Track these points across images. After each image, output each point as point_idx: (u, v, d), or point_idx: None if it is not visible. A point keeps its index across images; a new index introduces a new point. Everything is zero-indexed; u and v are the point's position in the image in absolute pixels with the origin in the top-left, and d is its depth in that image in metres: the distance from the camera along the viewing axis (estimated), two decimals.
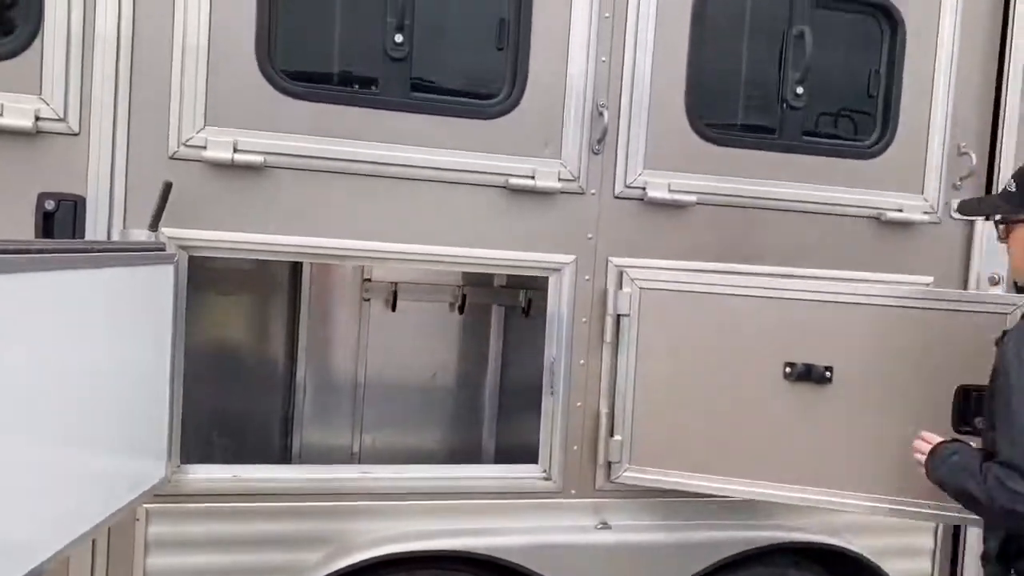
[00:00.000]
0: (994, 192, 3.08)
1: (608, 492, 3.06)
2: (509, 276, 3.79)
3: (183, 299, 2.60)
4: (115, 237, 2.58)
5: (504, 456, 3.93)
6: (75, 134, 2.55)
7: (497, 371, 3.93)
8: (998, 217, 2.40)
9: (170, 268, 2.50)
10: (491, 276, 3.83)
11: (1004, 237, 2.41)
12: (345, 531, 2.81)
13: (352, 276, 3.76)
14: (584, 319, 3.01)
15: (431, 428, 3.89)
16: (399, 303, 3.70)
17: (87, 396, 2.09)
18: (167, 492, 2.61)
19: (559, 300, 3.00)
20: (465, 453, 3.86)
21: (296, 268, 3.70)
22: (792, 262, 3.06)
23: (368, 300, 3.76)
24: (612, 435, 3.00)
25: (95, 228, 2.57)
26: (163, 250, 2.54)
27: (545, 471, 3.04)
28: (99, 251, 2.18)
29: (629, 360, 2.95)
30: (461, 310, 3.78)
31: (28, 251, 1.85)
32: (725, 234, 3.06)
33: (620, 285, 2.99)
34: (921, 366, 2.75)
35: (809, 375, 2.82)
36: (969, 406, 2.67)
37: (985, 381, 2.29)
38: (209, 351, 3.34)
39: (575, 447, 3.03)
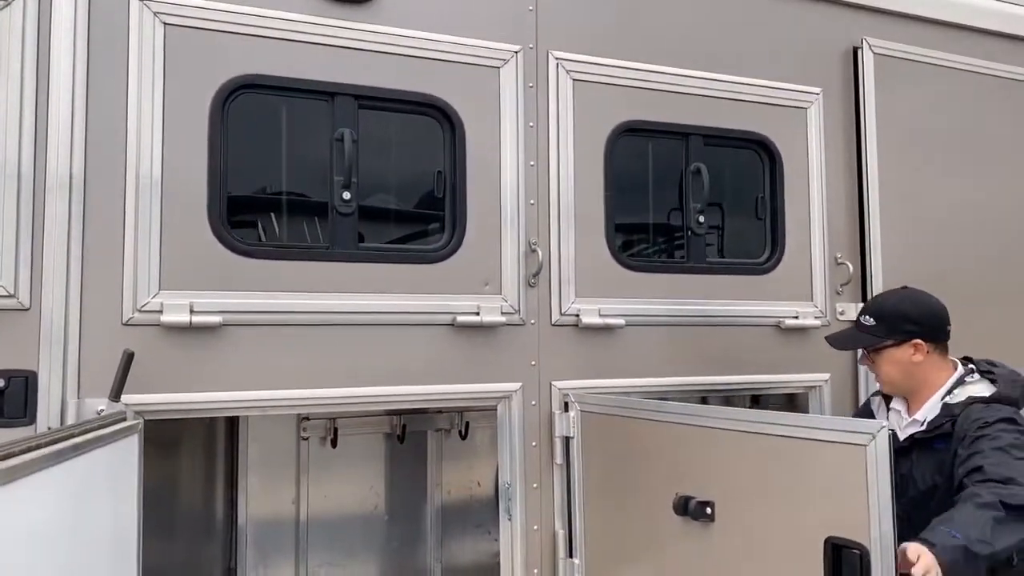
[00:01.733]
0: (858, 318, 3.05)
1: None
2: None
3: (142, 464, 2.57)
4: (70, 410, 2.54)
5: None
6: (25, 309, 2.53)
7: (437, 495, 4.00)
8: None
9: (135, 438, 2.48)
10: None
11: (870, 362, 2.88)
12: None
13: (288, 417, 3.77)
14: (534, 443, 3.17)
15: (377, 557, 3.88)
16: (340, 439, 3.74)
17: None
18: None
19: (509, 426, 3.15)
20: None
21: (233, 417, 3.68)
22: (713, 370, 3.37)
23: (306, 439, 3.77)
24: (570, 556, 3.13)
25: (48, 402, 2.53)
26: (124, 419, 2.52)
27: None
28: (65, 439, 2.13)
29: (580, 480, 3.11)
30: (401, 439, 3.85)
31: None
32: (653, 351, 3.34)
33: (565, 408, 3.18)
34: (794, 506, 2.26)
35: (687, 510, 2.52)
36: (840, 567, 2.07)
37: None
38: (149, 506, 3.24)
39: (535, 570, 3.14)
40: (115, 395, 2.52)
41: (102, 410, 2.53)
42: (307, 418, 3.75)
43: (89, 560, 2.15)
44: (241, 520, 3.62)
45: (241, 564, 3.58)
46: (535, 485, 3.16)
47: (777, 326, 3.59)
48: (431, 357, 3.02)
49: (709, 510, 2.51)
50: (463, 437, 3.97)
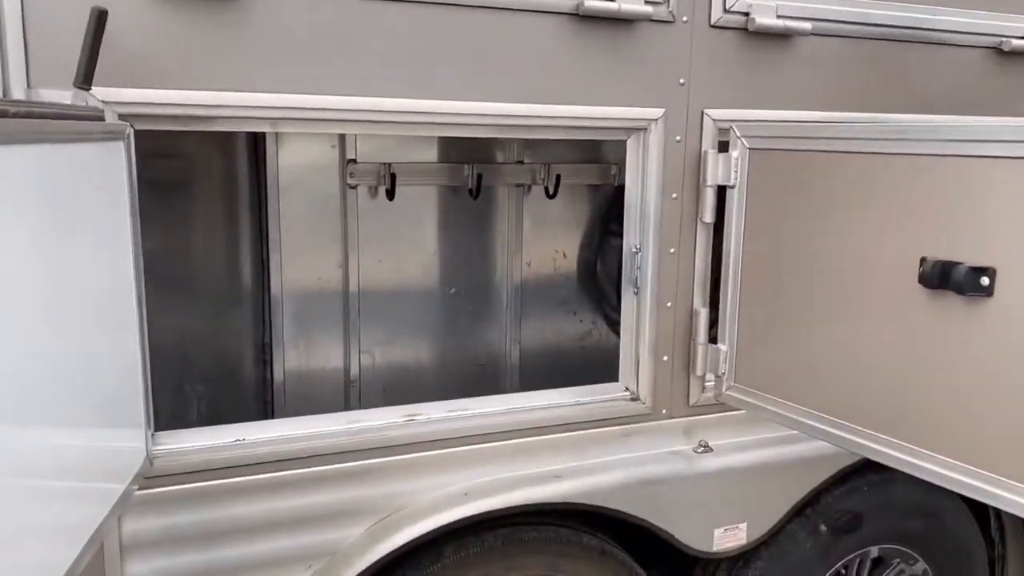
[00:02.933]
0: None
1: (703, 408, 2.46)
2: (526, 148, 3.05)
3: (135, 192, 1.73)
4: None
5: (531, 367, 3.28)
6: None
7: (515, 265, 3.21)
8: None
9: (120, 147, 1.62)
10: (501, 151, 3.08)
11: None
12: (392, 496, 2.10)
13: (329, 157, 2.90)
14: (675, 195, 2.30)
15: (441, 337, 3.17)
16: (398, 190, 2.88)
17: (32, 345, 1.24)
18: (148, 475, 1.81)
19: (642, 170, 2.28)
20: (488, 365, 3.18)
21: (258, 151, 2.80)
22: (945, 109, 2.43)
23: (354, 187, 2.92)
24: (713, 341, 2.36)
25: None
26: (101, 117, 1.64)
27: (630, 390, 2.41)
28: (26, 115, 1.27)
29: (735, 246, 2.27)
30: (474, 194, 3.00)
31: None
32: (847, 73, 2.38)
33: (721, 146, 2.29)
34: None
35: (948, 280, 1.71)
36: None
37: None
38: (154, 266, 2.46)
39: (665, 357, 2.39)
40: (84, 77, 1.62)
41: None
42: (353, 160, 2.87)
43: (77, 314, 1.35)
44: (275, 287, 2.86)
45: (277, 339, 2.86)
46: (672, 250, 2.33)
47: None
48: (543, 63, 2.08)
49: (986, 280, 1.66)
50: (550, 195, 3.10)
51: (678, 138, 2.27)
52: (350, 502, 2.06)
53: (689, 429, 2.46)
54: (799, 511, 2.56)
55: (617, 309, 3.42)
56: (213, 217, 2.75)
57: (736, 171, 2.24)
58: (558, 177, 3.06)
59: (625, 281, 2.38)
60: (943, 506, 2.77)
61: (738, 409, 2.34)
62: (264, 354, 2.85)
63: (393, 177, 2.84)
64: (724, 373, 2.34)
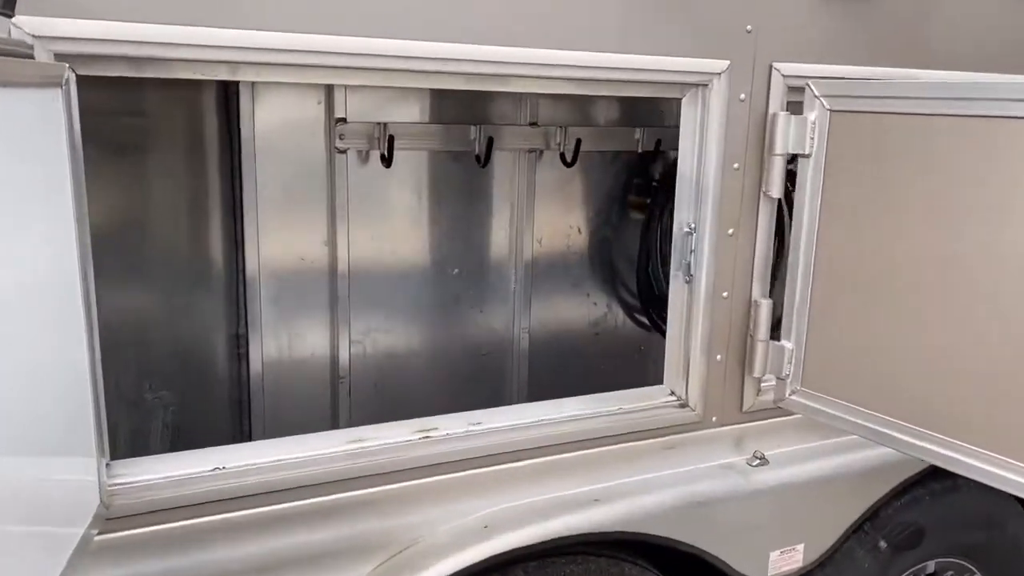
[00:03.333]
0: None
1: (756, 414, 2.13)
2: (541, 107, 2.68)
3: (79, 156, 1.32)
4: None
5: (540, 358, 2.92)
6: None
7: (526, 242, 2.83)
8: None
9: (56, 95, 1.20)
10: (512, 110, 2.69)
11: None
12: (403, 530, 1.74)
13: (314, 116, 2.47)
14: (736, 165, 1.94)
15: (442, 323, 2.80)
16: (395, 155, 2.47)
17: None
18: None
19: (700, 134, 1.91)
20: (492, 355, 2.81)
21: (230, 108, 2.37)
22: None
23: (343, 152, 2.50)
24: (776, 337, 2.02)
25: None
26: (30, 55, 1.22)
27: (677, 394, 2.06)
28: None
29: (808, 225, 1.92)
30: (483, 160, 2.59)
31: None
32: (956, 24, 2.03)
33: (791, 108, 1.93)
34: None
35: None
36: None
37: None
38: (106, 248, 2.04)
39: (719, 356, 2.04)
40: (3, 1, 1.19)
41: None
42: (343, 119, 2.45)
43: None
44: (251, 267, 2.45)
45: (254, 328, 2.45)
46: (731, 231, 1.98)
47: None
48: (588, 2, 1.70)
49: None
50: (568, 163, 2.72)
51: (742, 96, 1.90)
52: (354, 538, 1.70)
53: (740, 438, 2.13)
54: (858, 527, 2.26)
55: (634, 292, 3.11)
56: (177, 186, 2.32)
57: (812, 137, 1.88)
58: (578, 142, 2.67)
59: (675, 267, 2.02)
60: (1006, 514, 2.50)
61: (798, 414, 2.02)
62: (238, 346, 2.45)
63: (391, 140, 2.43)
64: (788, 375, 2.00)
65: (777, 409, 2.11)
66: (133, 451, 1.79)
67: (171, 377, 2.06)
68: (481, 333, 2.86)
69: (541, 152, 2.79)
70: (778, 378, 2.03)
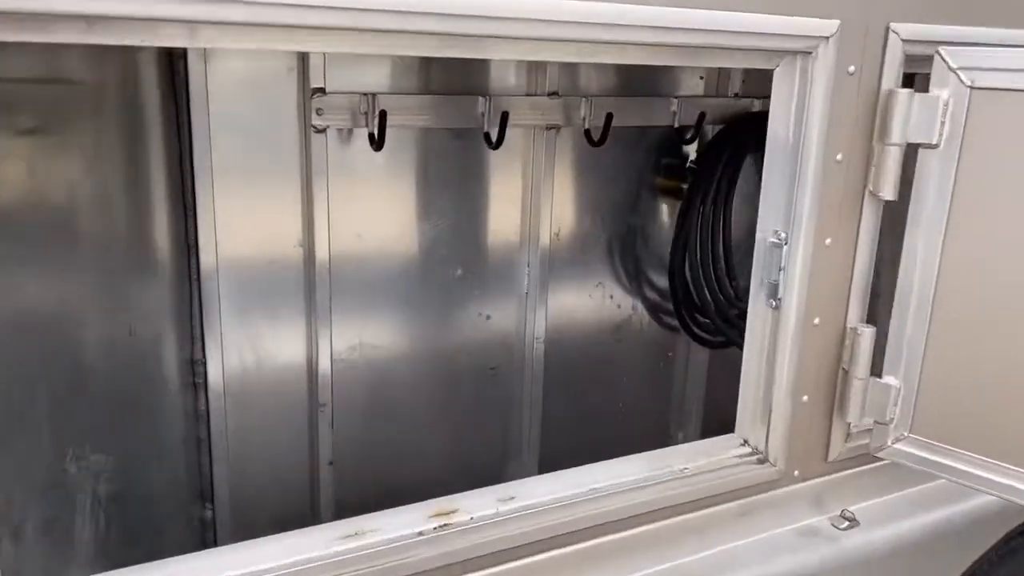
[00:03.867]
0: None
1: (840, 464, 1.73)
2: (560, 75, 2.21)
3: None
4: None
5: (555, 372, 2.49)
6: None
7: (544, 233, 2.38)
8: None
9: None
10: (527, 78, 2.21)
11: None
12: None
13: (284, 86, 1.97)
14: (839, 156, 1.49)
15: (442, 334, 2.34)
16: (387, 133, 1.97)
17: None
18: None
19: (798, 115, 1.46)
20: (501, 370, 2.37)
21: (175, 73, 1.86)
22: None
23: (321, 131, 2.00)
24: (878, 374, 1.59)
25: None
26: None
27: (753, 445, 1.64)
28: None
29: (928, 234, 1.49)
30: (494, 142, 2.11)
31: None
32: None
33: (914, 82, 1.49)
34: None
35: None
36: None
37: None
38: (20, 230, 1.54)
39: (804, 397, 1.62)
40: None
41: None
42: (322, 91, 1.95)
43: None
44: (207, 274, 1.96)
45: (212, 350, 1.98)
46: (828, 241, 1.53)
47: None
48: None
49: None
50: (596, 141, 2.25)
51: (851, 69, 1.45)
52: None
53: (822, 494, 1.73)
54: None
55: (663, 291, 2.67)
56: (106, 172, 1.80)
57: (943, 122, 1.43)
58: (608, 118, 2.19)
59: (756, 287, 1.58)
60: None
61: (886, 462, 1.62)
62: (193, 375, 1.97)
63: (383, 117, 1.93)
64: (892, 418, 1.59)
65: (860, 457, 1.72)
66: (50, 544, 1.33)
67: (102, 433, 1.58)
68: (489, 344, 2.41)
69: (559, 128, 2.31)
70: (877, 423, 1.62)
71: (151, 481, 1.71)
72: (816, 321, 1.58)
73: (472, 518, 1.37)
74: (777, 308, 1.56)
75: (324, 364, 2.15)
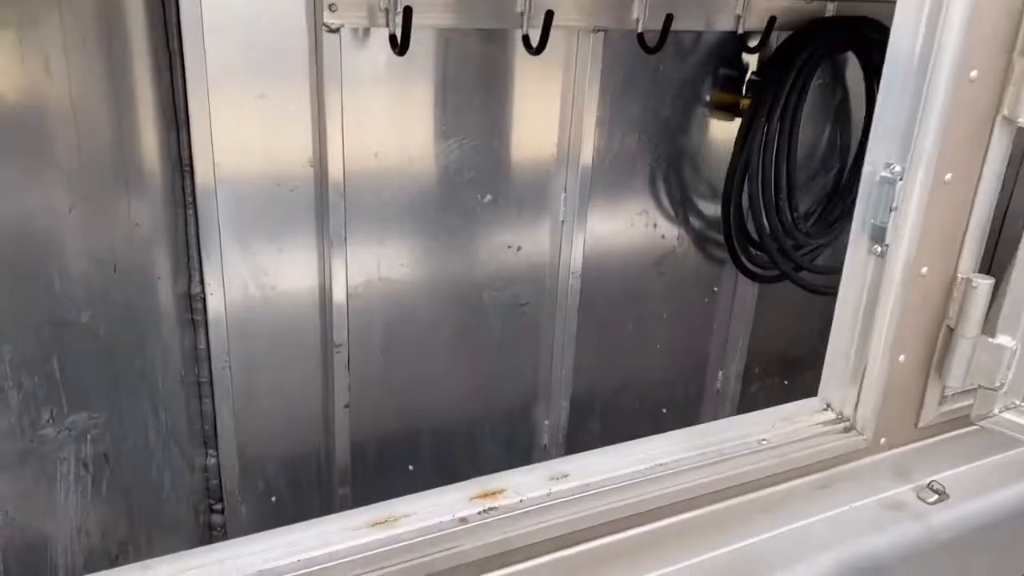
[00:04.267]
0: None
1: (927, 431, 1.52)
2: None
3: None
4: None
5: (590, 308, 2.26)
6: None
7: (586, 150, 2.11)
8: None
9: None
10: None
11: None
12: None
13: None
14: (973, 73, 1.22)
15: (467, 271, 2.11)
16: (413, 36, 1.68)
17: None
18: None
19: (930, 20, 1.19)
20: (531, 307, 2.14)
21: None
22: None
23: (335, 31, 1.71)
24: (991, 333, 1.36)
25: None
26: None
27: (838, 411, 1.43)
28: None
29: None
30: (538, 44, 1.82)
31: None
32: None
33: None
34: None
35: None
36: None
37: None
38: None
39: (902, 357, 1.39)
40: None
41: None
42: None
43: None
44: (203, 196, 1.70)
45: (211, 267, 1.75)
46: (948, 177, 1.28)
47: None
48: None
49: None
50: (650, 48, 1.95)
51: None
52: None
53: (908, 465, 1.52)
54: None
55: (713, 220, 2.41)
56: (79, 71, 1.52)
57: None
58: (668, 19, 1.89)
59: (858, 230, 1.33)
60: None
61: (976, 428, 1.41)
62: (191, 311, 1.74)
63: (407, 14, 1.63)
64: (1003, 385, 1.37)
65: (950, 423, 1.51)
66: (29, 517, 1.14)
67: (87, 385, 1.37)
68: (519, 278, 2.17)
69: (606, 32, 2.01)
70: (983, 388, 1.40)
71: (145, 433, 1.51)
72: (923, 271, 1.34)
73: (522, 500, 1.16)
74: (882, 255, 1.31)
75: (339, 298, 1.92)
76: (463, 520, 1.11)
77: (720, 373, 2.64)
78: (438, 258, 2.05)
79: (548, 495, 1.17)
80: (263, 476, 2.02)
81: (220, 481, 1.91)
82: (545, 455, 2.42)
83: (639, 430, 2.50)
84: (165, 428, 1.62)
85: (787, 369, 2.86)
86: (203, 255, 1.73)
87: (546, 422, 2.37)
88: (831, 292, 2.32)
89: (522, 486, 1.18)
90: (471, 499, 1.15)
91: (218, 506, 1.93)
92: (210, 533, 1.94)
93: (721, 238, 2.35)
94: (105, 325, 1.35)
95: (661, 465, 1.26)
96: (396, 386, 2.09)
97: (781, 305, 2.67)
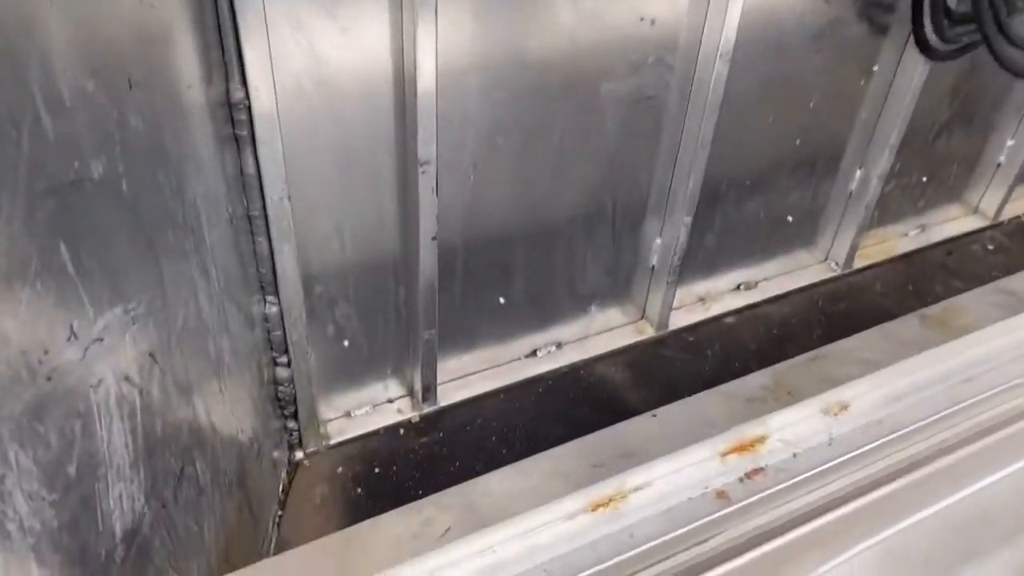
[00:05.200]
0: None
1: None
2: None
3: None
4: None
5: (732, 100, 1.77)
6: None
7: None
8: None
9: None
10: None
11: None
12: None
13: None
14: None
15: (583, 45, 1.58)
16: None
17: None
18: None
19: None
20: (657, 100, 1.65)
21: None
22: None
23: None
24: None
25: None
26: None
27: None
28: None
29: None
30: None
31: None
32: None
33: None
34: None
35: None
36: None
37: None
38: None
39: None
40: None
41: None
42: None
43: None
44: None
45: (253, 48, 1.24)
46: None
47: None
48: None
49: None
50: None
51: None
52: None
53: None
54: None
55: None
56: None
57: None
58: None
59: None
60: None
61: None
62: (228, 95, 1.25)
63: None
64: None
65: None
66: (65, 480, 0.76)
67: (115, 267, 0.93)
68: (646, 61, 1.64)
69: None
70: None
71: (197, 303, 1.10)
72: None
73: (795, 455, 0.78)
74: None
75: (425, 100, 1.41)
76: (721, 495, 0.74)
77: (858, 172, 2.18)
78: (543, 30, 1.51)
79: (829, 442, 0.79)
80: (333, 320, 1.65)
81: (284, 332, 1.54)
82: (655, 278, 2.03)
83: (759, 244, 2.06)
84: (217, 287, 1.21)
85: (933, 168, 2.40)
86: (243, 43, 1.21)
87: (657, 241, 1.96)
88: None
89: (789, 429, 0.79)
90: (723, 455, 0.77)
91: (283, 359, 1.58)
92: (276, 390, 1.60)
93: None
94: (127, 174, 0.90)
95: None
96: (487, 207, 1.65)
97: (959, 91, 2.17)
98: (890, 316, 2.25)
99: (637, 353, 2.07)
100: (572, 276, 1.94)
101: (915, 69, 1.97)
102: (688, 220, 1.88)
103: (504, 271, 1.82)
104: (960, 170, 2.50)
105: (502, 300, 1.86)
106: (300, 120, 1.37)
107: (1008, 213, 2.64)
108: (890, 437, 0.79)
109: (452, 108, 1.50)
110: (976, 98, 2.29)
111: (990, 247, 2.57)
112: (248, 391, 1.46)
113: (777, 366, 1.77)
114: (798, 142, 2.00)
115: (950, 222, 2.59)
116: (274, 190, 1.35)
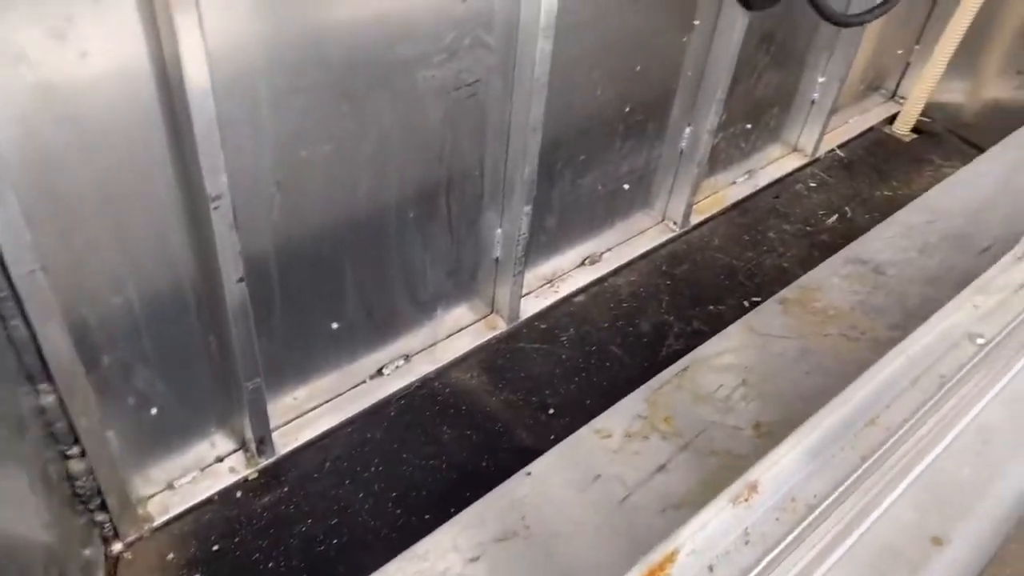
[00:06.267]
0: None
1: None
2: None
3: None
4: None
5: None
6: None
7: None
8: None
9: None
10: None
11: None
12: None
13: None
14: None
15: None
16: None
17: None
18: None
19: None
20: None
21: None
22: None
23: None
24: None
25: None
26: None
27: None
28: None
29: None
30: None
31: None
32: None
33: None
34: None
35: None
36: None
37: None
38: None
39: None
40: None
41: None
42: None
43: None
44: None
45: None
46: None
47: None
48: None
49: None
50: None
51: None
52: None
53: None
54: None
55: None
56: None
57: None
58: None
59: None
60: None
61: None
62: None
63: None
64: None
65: None
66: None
67: None
68: (459, 38, 1.44)
69: None
70: None
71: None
72: None
73: (711, 567, 0.65)
74: None
75: (200, 104, 1.14)
76: None
77: (688, 130, 2.11)
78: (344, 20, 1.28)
79: (746, 540, 0.68)
80: (132, 390, 1.37)
81: (69, 421, 1.25)
82: (500, 270, 1.88)
83: (598, 216, 1.96)
84: None
85: (756, 114, 2.39)
86: None
87: (498, 231, 1.80)
88: (855, 22, 1.75)
89: (699, 535, 0.66)
90: None
91: (74, 450, 1.29)
92: (72, 486, 1.31)
93: None
94: None
95: None
96: (301, 230, 1.42)
97: (778, 46, 2.13)
98: (730, 271, 2.25)
99: (491, 352, 1.92)
100: (412, 283, 1.74)
101: (735, 20, 1.89)
102: (528, 209, 1.73)
103: (332, 293, 1.60)
104: (779, 111, 2.51)
105: (335, 325, 1.64)
106: (43, 171, 1.07)
107: (824, 147, 2.70)
108: (809, 520, 0.69)
109: (241, 125, 1.24)
110: (790, 40, 2.28)
111: (812, 184, 2.62)
112: (33, 504, 1.18)
113: (649, 384, 1.68)
114: (628, 108, 1.89)
115: (773, 164, 2.62)
116: (20, 265, 1.05)
